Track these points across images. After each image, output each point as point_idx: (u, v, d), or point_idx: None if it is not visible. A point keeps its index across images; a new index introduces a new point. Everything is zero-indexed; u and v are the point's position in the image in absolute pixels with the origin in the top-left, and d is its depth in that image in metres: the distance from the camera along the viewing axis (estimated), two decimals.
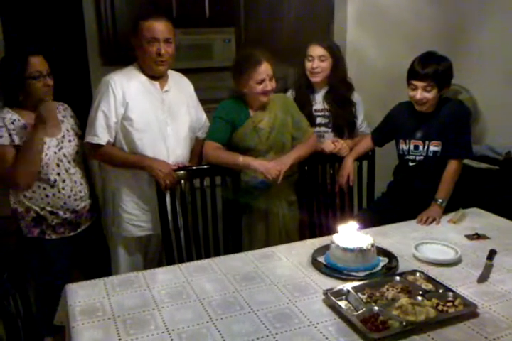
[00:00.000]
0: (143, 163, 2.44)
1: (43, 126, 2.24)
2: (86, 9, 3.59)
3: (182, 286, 1.86)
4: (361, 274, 1.89)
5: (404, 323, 1.54)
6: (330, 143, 2.87)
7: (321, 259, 2.02)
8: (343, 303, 1.69)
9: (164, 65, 2.46)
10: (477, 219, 2.49)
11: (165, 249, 2.57)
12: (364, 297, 1.72)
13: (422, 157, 2.57)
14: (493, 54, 3.27)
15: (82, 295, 1.79)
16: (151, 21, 2.39)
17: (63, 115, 2.50)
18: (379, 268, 1.94)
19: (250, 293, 1.79)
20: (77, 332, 1.58)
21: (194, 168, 2.61)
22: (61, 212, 2.40)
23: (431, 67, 2.40)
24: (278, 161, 2.55)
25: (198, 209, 2.59)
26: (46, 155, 2.32)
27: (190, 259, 2.55)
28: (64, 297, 1.82)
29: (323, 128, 2.99)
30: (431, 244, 2.16)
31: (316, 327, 1.59)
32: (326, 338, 1.53)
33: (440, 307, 1.63)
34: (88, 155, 2.55)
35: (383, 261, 1.99)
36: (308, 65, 2.90)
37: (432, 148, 2.54)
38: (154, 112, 2.49)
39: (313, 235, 2.67)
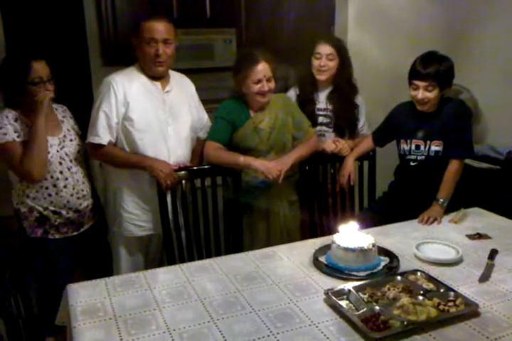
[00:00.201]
0: (144, 163, 2.44)
1: (42, 110, 2.25)
2: (87, 9, 3.60)
3: (183, 286, 1.86)
4: (362, 274, 1.89)
5: (405, 323, 1.54)
6: (331, 142, 2.87)
7: (322, 259, 2.02)
8: (344, 303, 1.69)
9: (163, 66, 2.46)
10: (478, 218, 2.49)
11: (166, 249, 2.57)
12: (365, 297, 1.72)
13: (423, 157, 2.57)
14: (494, 54, 3.26)
15: (83, 295, 1.79)
16: (151, 22, 2.40)
17: (63, 115, 2.51)
18: (380, 267, 1.94)
19: (251, 293, 1.79)
20: (78, 332, 1.58)
21: (195, 168, 2.61)
22: (64, 212, 2.40)
23: (432, 67, 2.39)
24: (279, 161, 2.55)
25: (199, 209, 2.59)
26: (49, 153, 2.33)
27: (191, 259, 2.55)
28: (65, 297, 1.82)
29: (324, 128, 2.99)
30: (432, 243, 2.15)
31: (317, 326, 1.59)
32: (327, 338, 1.53)
33: (441, 307, 1.63)
34: (89, 156, 2.56)
35: (384, 260, 1.99)
36: (316, 62, 2.89)
37: (434, 148, 2.54)
38: (155, 112, 2.49)
39: (315, 235, 2.66)
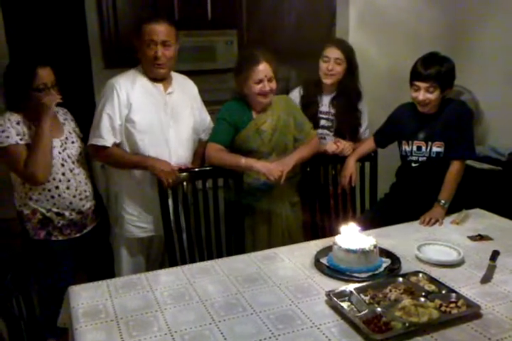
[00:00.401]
0: (145, 163, 2.45)
1: (47, 115, 2.26)
2: (88, 12, 3.61)
3: (185, 288, 1.86)
4: (364, 275, 1.89)
5: (407, 324, 1.53)
6: (332, 143, 2.87)
7: (324, 260, 2.02)
8: (345, 304, 1.69)
9: (163, 68, 2.47)
10: (480, 220, 2.49)
11: (167, 251, 2.57)
12: (367, 298, 1.72)
13: (424, 158, 2.57)
14: (495, 55, 3.27)
15: (85, 297, 1.80)
16: (151, 24, 2.40)
17: (64, 118, 2.52)
18: (382, 269, 1.94)
19: (253, 295, 1.79)
20: (80, 334, 1.59)
21: (196, 169, 2.61)
22: (67, 213, 2.41)
23: (434, 68, 2.40)
24: (280, 162, 2.55)
25: (201, 211, 2.59)
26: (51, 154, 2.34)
27: (192, 261, 2.55)
28: (67, 299, 1.83)
29: (325, 131, 2.99)
30: (434, 245, 2.15)
31: (318, 328, 1.59)
32: (329, 339, 1.53)
33: (443, 308, 1.63)
34: (91, 157, 2.56)
35: (386, 262, 1.99)
36: (323, 66, 2.88)
37: (435, 149, 2.54)
38: (157, 114, 2.50)
39: (316, 236, 2.66)
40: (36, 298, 2.26)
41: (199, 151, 2.72)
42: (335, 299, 1.69)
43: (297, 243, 2.35)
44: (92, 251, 2.60)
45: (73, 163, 2.43)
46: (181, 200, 2.57)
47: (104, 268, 2.61)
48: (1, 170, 2.43)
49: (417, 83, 2.44)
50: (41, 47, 3.10)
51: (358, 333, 1.55)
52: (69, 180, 2.40)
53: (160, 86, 2.53)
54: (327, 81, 2.90)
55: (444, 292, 1.73)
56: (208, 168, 2.62)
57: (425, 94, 2.43)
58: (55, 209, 2.39)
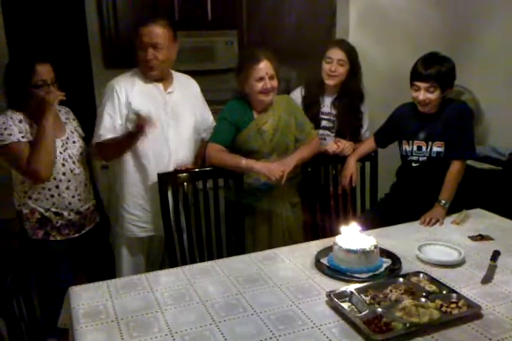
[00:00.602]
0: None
1: (50, 112, 2.25)
2: (88, 12, 3.61)
3: (185, 288, 1.86)
4: (364, 276, 1.89)
5: (407, 325, 1.53)
6: (333, 143, 2.87)
7: (324, 261, 2.01)
8: (346, 305, 1.68)
9: (154, 70, 2.47)
10: (480, 220, 2.48)
11: (168, 251, 2.57)
12: (367, 298, 1.71)
13: (425, 158, 2.57)
14: (495, 55, 3.26)
15: (85, 298, 1.79)
16: (145, 26, 2.41)
17: (66, 117, 2.52)
18: (382, 269, 1.94)
19: (253, 295, 1.79)
20: (80, 335, 1.58)
21: (197, 170, 2.61)
22: (66, 213, 2.41)
23: (434, 68, 2.40)
24: (281, 162, 2.55)
25: (201, 211, 2.59)
26: None
27: (193, 261, 2.55)
28: (67, 299, 1.82)
29: (326, 132, 2.99)
30: (434, 245, 2.15)
31: (319, 329, 1.58)
32: (330, 340, 1.53)
33: (444, 309, 1.62)
34: (93, 156, 2.56)
35: (386, 262, 1.99)
36: (326, 67, 2.87)
37: (435, 149, 2.53)
38: (157, 114, 2.50)
39: (316, 237, 2.66)
40: (36, 299, 2.26)
41: (201, 152, 2.72)
42: (335, 299, 1.69)
43: (298, 243, 2.35)
44: (91, 251, 2.59)
45: (74, 163, 2.43)
46: (182, 200, 2.57)
47: (104, 269, 2.61)
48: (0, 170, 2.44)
49: (418, 83, 2.44)
50: (41, 48, 3.09)
51: (359, 334, 1.55)
52: (69, 180, 2.40)
53: (160, 86, 2.54)
54: (330, 82, 2.90)
55: (444, 292, 1.73)
56: (208, 169, 2.61)
57: (425, 94, 2.43)
58: (53, 209, 2.38)
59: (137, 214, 2.59)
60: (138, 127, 2.31)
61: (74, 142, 2.46)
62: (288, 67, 3.84)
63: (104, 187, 2.82)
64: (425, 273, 1.87)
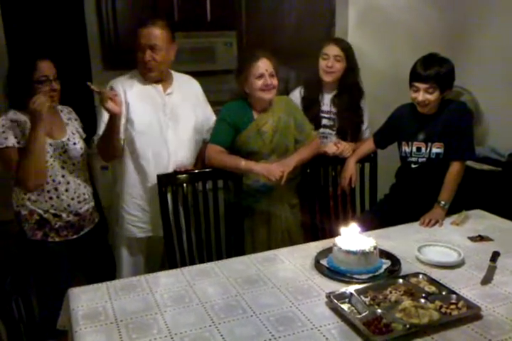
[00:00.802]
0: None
1: (40, 120, 2.19)
2: (88, 14, 3.61)
3: (184, 290, 1.86)
4: (364, 277, 1.89)
5: (407, 326, 1.53)
6: (332, 145, 2.87)
7: (324, 262, 2.01)
8: (346, 306, 1.68)
9: (152, 72, 2.48)
10: (480, 220, 2.48)
11: (167, 253, 2.57)
12: (367, 300, 1.71)
13: (424, 159, 2.57)
14: (494, 55, 3.26)
15: (84, 300, 1.79)
16: (144, 28, 2.42)
17: (68, 118, 2.51)
18: (382, 270, 1.94)
19: (253, 297, 1.79)
20: (79, 337, 1.58)
21: (196, 171, 2.61)
22: (64, 215, 2.40)
23: (433, 69, 2.39)
24: (281, 163, 2.55)
25: (201, 213, 2.59)
26: (51, 156, 2.33)
27: (192, 263, 2.55)
28: (67, 301, 1.82)
29: (327, 130, 2.99)
30: (434, 246, 2.15)
31: (319, 330, 1.58)
32: None
33: (443, 310, 1.62)
34: (96, 156, 2.56)
35: (386, 263, 1.99)
36: (323, 63, 2.88)
37: (435, 150, 2.53)
38: (156, 114, 2.51)
39: (316, 238, 2.66)
40: (35, 300, 2.26)
41: (202, 153, 2.71)
42: (335, 301, 1.68)
43: (297, 244, 2.35)
44: (90, 253, 2.59)
45: (74, 164, 2.42)
46: (181, 202, 2.56)
47: (103, 271, 2.61)
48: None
49: (417, 84, 2.44)
50: (41, 49, 3.08)
51: (359, 335, 1.54)
52: (68, 183, 2.39)
53: (159, 87, 2.54)
54: (327, 78, 2.90)
55: (444, 293, 1.73)
56: (207, 170, 2.61)
57: (425, 95, 2.43)
58: (52, 211, 2.38)
59: (136, 214, 2.60)
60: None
61: (74, 144, 2.44)
62: (287, 67, 3.84)
63: (104, 188, 2.82)
64: (425, 274, 1.86)
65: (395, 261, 2.01)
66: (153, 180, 2.52)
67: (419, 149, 2.57)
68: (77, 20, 3.69)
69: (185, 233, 2.59)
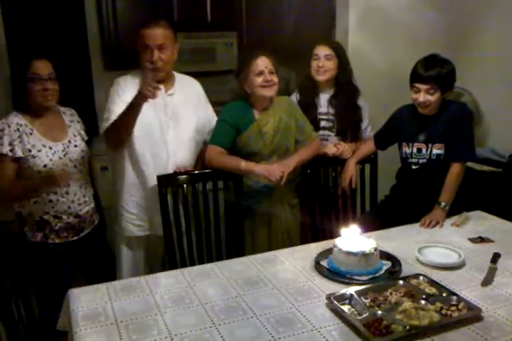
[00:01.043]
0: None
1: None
2: (88, 14, 3.61)
3: (185, 291, 1.85)
4: (364, 278, 1.88)
5: (407, 327, 1.53)
6: (332, 146, 2.87)
7: (324, 263, 2.01)
8: (346, 307, 1.68)
9: (159, 72, 2.47)
10: (480, 222, 2.48)
11: (167, 254, 2.57)
12: (367, 301, 1.71)
13: (425, 160, 2.56)
14: (495, 56, 3.27)
15: (84, 300, 1.79)
16: (147, 29, 2.42)
17: (70, 120, 2.50)
18: (382, 272, 1.93)
19: (253, 298, 1.79)
20: (79, 338, 1.58)
21: (196, 172, 2.60)
22: (64, 216, 2.40)
23: (434, 70, 2.39)
24: (281, 164, 2.55)
25: (201, 213, 2.59)
26: (51, 160, 2.33)
27: (192, 264, 2.55)
28: (67, 302, 1.82)
29: (326, 132, 2.98)
30: (434, 247, 2.15)
31: (319, 331, 1.58)
32: None
33: (444, 311, 1.62)
34: (107, 142, 2.53)
35: (386, 264, 1.98)
36: (314, 63, 2.89)
37: (435, 151, 2.53)
38: (156, 114, 2.50)
39: (316, 239, 2.66)
40: (35, 301, 2.26)
41: (203, 155, 2.71)
42: (335, 302, 1.68)
43: (297, 245, 2.35)
44: (90, 254, 2.58)
45: (75, 166, 2.42)
46: (181, 202, 2.56)
47: (104, 271, 2.61)
48: None
49: (418, 85, 2.43)
50: (41, 50, 3.09)
51: (359, 336, 1.54)
52: (69, 185, 2.39)
53: (161, 87, 2.53)
54: (320, 78, 2.91)
55: (444, 295, 1.73)
56: (207, 171, 2.61)
57: (425, 96, 2.43)
58: (52, 213, 2.37)
59: (135, 212, 2.61)
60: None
61: (75, 146, 2.44)
62: (288, 68, 3.84)
63: (104, 189, 2.82)
64: (425, 276, 1.86)
65: (395, 262, 2.01)
66: (152, 179, 2.51)
67: (419, 150, 2.57)
68: (78, 21, 3.69)
69: (186, 234, 2.59)
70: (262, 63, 2.53)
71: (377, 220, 2.59)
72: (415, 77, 2.46)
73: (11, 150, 2.25)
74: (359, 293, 1.74)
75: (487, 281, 1.87)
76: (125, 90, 2.46)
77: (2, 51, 3.23)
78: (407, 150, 2.61)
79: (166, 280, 1.95)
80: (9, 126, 2.26)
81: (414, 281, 1.82)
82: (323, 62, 2.87)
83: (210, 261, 2.52)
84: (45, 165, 2.31)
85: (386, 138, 2.79)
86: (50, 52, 2.47)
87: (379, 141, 2.82)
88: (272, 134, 2.62)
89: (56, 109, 2.46)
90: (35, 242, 2.39)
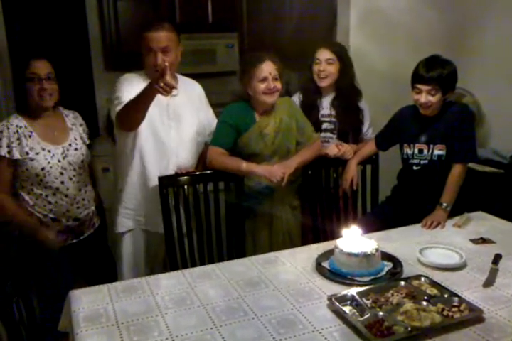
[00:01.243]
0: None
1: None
2: (89, 15, 3.62)
3: (186, 292, 1.85)
4: (366, 279, 1.88)
5: (409, 329, 1.52)
6: (334, 147, 2.86)
7: (325, 264, 2.01)
8: (347, 309, 1.68)
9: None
10: (482, 223, 2.47)
11: (168, 254, 2.57)
12: (369, 302, 1.71)
13: (426, 161, 2.56)
14: (496, 57, 3.27)
15: (85, 302, 1.79)
16: (151, 32, 2.41)
17: (73, 123, 2.50)
18: (383, 273, 1.93)
19: (254, 299, 1.79)
20: (81, 339, 1.58)
21: (197, 173, 2.60)
22: (63, 219, 2.40)
23: (435, 71, 2.39)
24: (282, 164, 2.55)
25: (202, 214, 2.59)
26: (49, 163, 2.32)
27: (193, 264, 2.55)
28: (68, 303, 1.82)
29: (328, 134, 2.97)
30: (436, 248, 2.14)
31: (320, 333, 1.58)
32: None
33: (445, 313, 1.62)
34: (120, 129, 2.48)
35: (388, 265, 1.98)
36: (315, 68, 2.88)
37: (437, 152, 2.53)
38: (159, 116, 2.50)
39: (317, 240, 2.66)
40: (36, 302, 2.25)
41: (204, 155, 2.71)
42: (337, 303, 1.68)
43: (298, 246, 2.35)
44: (91, 256, 2.58)
45: (74, 170, 2.41)
46: (182, 203, 2.56)
47: (105, 274, 2.60)
48: None
49: (419, 86, 2.43)
50: (43, 50, 3.09)
51: (360, 338, 1.54)
52: (68, 188, 2.38)
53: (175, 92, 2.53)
54: (322, 83, 2.89)
55: (446, 296, 1.72)
56: (209, 172, 2.61)
57: (427, 97, 2.43)
58: (51, 215, 2.37)
59: (132, 208, 2.60)
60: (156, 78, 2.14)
61: (76, 149, 2.43)
62: (288, 69, 3.84)
63: (105, 190, 2.82)
64: (427, 277, 1.86)
65: (396, 263, 2.00)
66: (153, 179, 2.51)
67: (421, 151, 2.57)
68: (79, 21, 3.70)
69: (187, 234, 2.59)
70: (267, 69, 2.51)
71: (378, 221, 2.58)
72: (417, 78, 2.45)
73: (9, 152, 2.25)
74: (360, 294, 1.74)
75: (488, 282, 1.86)
76: (133, 84, 2.42)
77: (3, 52, 3.24)
78: (408, 151, 2.61)
79: (167, 281, 1.95)
80: (8, 128, 2.26)
81: (415, 282, 1.82)
82: (324, 67, 2.85)
83: (211, 262, 2.52)
84: (42, 168, 2.30)
85: (387, 139, 2.78)
86: (51, 53, 2.47)
87: (380, 142, 2.82)
88: (273, 136, 2.62)
89: (58, 111, 2.46)
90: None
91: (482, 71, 3.30)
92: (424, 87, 2.42)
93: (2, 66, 3.10)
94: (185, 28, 3.31)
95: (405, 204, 2.64)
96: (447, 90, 2.44)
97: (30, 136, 2.30)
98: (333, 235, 2.45)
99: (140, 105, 2.26)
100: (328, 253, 2.06)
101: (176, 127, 2.55)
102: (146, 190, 2.57)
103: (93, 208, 2.54)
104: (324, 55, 2.86)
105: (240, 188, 2.60)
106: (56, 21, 4.19)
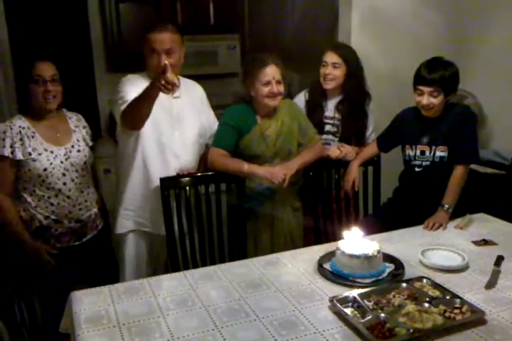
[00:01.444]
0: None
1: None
2: (92, 17, 3.63)
3: (187, 293, 1.85)
4: (367, 281, 1.88)
5: (411, 330, 1.52)
6: (336, 149, 2.86)
7: (327, 266, 2.00)
8: (349, 310, 1.67)
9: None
10: (484, 224, 2.47)
11: (170, 256, 2.57)
12: (370, 304, 1.70)
13: (428, 162, 2.56)
14: (498, 59, 3.26)
15: (87, 303, 1.79)
16: (154, 34, 2.41)
17: (76, 125, 2.50)
18: (385, 274, 1.93)
19: (256, 300, 1.78)
20: (82, 340, 1.58)
21: (199, 174, 2.60)
22: (66, 221, 2.39)
23: (437, 73, 2.39)
24: (284, 166, 2.54)
25: (203, 216, 2.59)
26: (51, 164, 2.32)
27: (195, 266, 2.55)
28: (69, 304, 1.82)
29: (330, 137, 2.96)
30: (437, 250, 2.14)
31: (322, 334, 1.58)
32: None
33: (447, 314, 1.61)
34: (125, 127, 2.46)
35: (389, 267, 1.98)
36: (322, 70, 2.87)
37: (439, 154, 2.53)
38: (162, 117, 2.50)
39: (319, 241, 2.65)
40: (37, 303, 2.25)
41: (205, 157, 2.71)
42: (338, 305, 1.68)
43: (299, 248, 2.35)
44: (94, 258, 2.58)
45: (76, 171, 2.41)
46: (184, 205, 2.56)
47: (107, 276, 2.59)
48: None
49: (421, 87, 2.43)
50: (45, 51, 3.10)
51: (362, 339, 1.54)
52: (70, 190, 2.38)
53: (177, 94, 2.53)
54: (327, 86, 2.88)
55: (448, 297, 1.72)
56: (210, 173, 2.61)
57: (429, 99, 2.43)
58: (53, 217, 2.37)
59: (133, 209, 2.59)
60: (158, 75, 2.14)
61: (78, 151, 2.43)
62: (290, 70, 3.84)
63: (107, 192, 2.81)
64: (428, 278, 1.85)
65: (398, 264, 2.00)
66: (155, 181, 2.51)
67: (423, 152, 2.56)
68: (81, 23, 3.70)
69: (188, 236, 2.58)
70: (270, 72, 2.51)
71: (380, 223, 2.58)
72: (419, 80, 2.45)
73: (12, 153, 2.25)
74: (362, 295, 1.74)
75: (491, 284, 1.86)
76: (136, 84, 2.40)
77: (6, 54, 3.25)
78: (410, 152, 2.61)
79: (169, 282, 1.95)
80: (11, 129, 2.27)
81: (417, 284, 1.82)
82: (330, 70, 2.83)
83: (212, 263, 2.52)
84: (45, 169, 2.31)
85: (389, 141, 2.78)
86: (53, 54, 2.48)
87: (382, 144, 2.82)
88: (275, 137, 2.62)
89: (61, 113, 2.47)
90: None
91: (484, 73, 3.30)
92: (426, 89, 2.42)
93: (4, 66, 3.10)
94: (186, 30, 3.30)
95: (407, 206, 2.64)
96: (449, 92, 2.44)
97: (33, 137, 2.30)
98: (335, 237, 2.45)
99: (143, 103, 2.26)
100: (330, 255, 2.06)
101: (179, 129, 2.55)
102: (147, 191, 2.57)
103: (95, 210, 2.53)
104: (331, 58, 2.84)
105: (242, 190, 2.60)
106: (58, 22, 4.20)
